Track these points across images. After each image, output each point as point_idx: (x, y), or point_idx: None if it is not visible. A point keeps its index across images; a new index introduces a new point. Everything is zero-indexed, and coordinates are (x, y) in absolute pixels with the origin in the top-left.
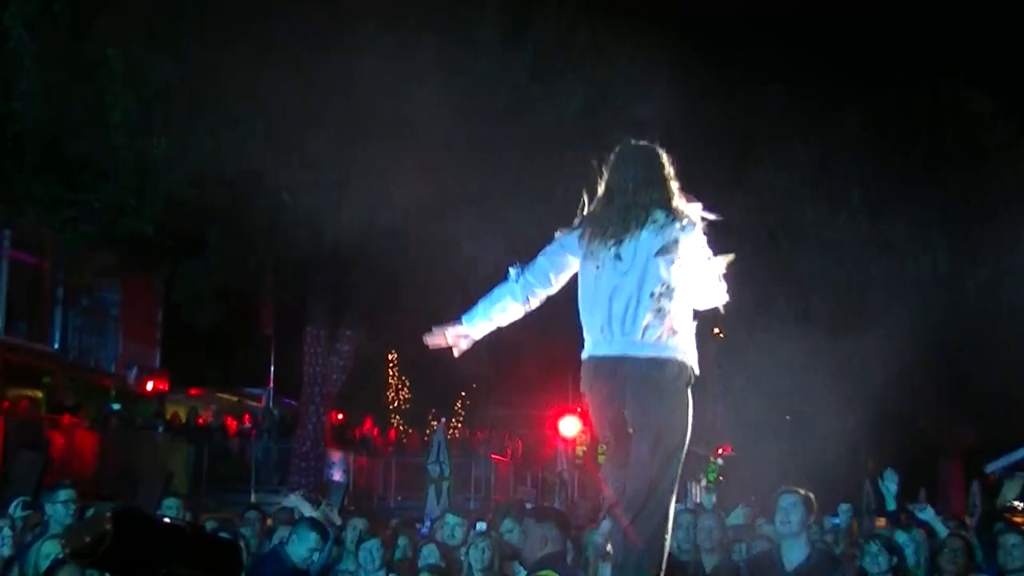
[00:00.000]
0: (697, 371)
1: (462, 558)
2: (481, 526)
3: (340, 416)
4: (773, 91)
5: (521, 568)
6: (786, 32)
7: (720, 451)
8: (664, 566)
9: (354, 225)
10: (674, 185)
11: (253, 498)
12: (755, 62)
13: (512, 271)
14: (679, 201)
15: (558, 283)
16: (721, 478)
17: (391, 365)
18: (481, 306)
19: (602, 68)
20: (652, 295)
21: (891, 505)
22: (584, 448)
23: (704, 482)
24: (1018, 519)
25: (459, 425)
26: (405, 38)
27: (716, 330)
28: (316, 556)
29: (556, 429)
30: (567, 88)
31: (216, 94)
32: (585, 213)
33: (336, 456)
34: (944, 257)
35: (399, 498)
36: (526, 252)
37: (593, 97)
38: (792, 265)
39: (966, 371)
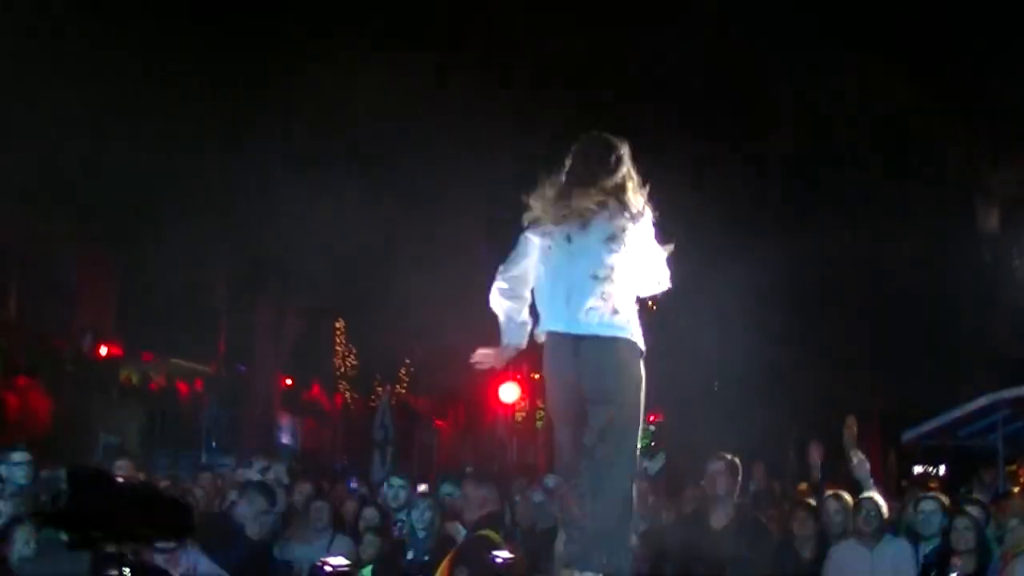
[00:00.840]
0: (643, 347)
1: (404, 518)
2: (423, 487)
3: (289, 382)
4: None
5: (461, 528)
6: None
7: (652, 418)
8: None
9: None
10: (630, 176)
11: (204, 459)
12: None
13: (498, 280)
14: (632, 192)
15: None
16: (653, 443)
17: (338, 333)
18: (507, 325)
19: None
20: (596, 278)
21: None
22: (523, 413)
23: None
24: (932, 485)
25: (404, 392)
26: None
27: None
28: (264, 518)
29: (495, 396)
30: None
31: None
32: (544, 193)
33: (284, 420)
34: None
35: (345, 461)
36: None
37: None
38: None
39: (886, 339)
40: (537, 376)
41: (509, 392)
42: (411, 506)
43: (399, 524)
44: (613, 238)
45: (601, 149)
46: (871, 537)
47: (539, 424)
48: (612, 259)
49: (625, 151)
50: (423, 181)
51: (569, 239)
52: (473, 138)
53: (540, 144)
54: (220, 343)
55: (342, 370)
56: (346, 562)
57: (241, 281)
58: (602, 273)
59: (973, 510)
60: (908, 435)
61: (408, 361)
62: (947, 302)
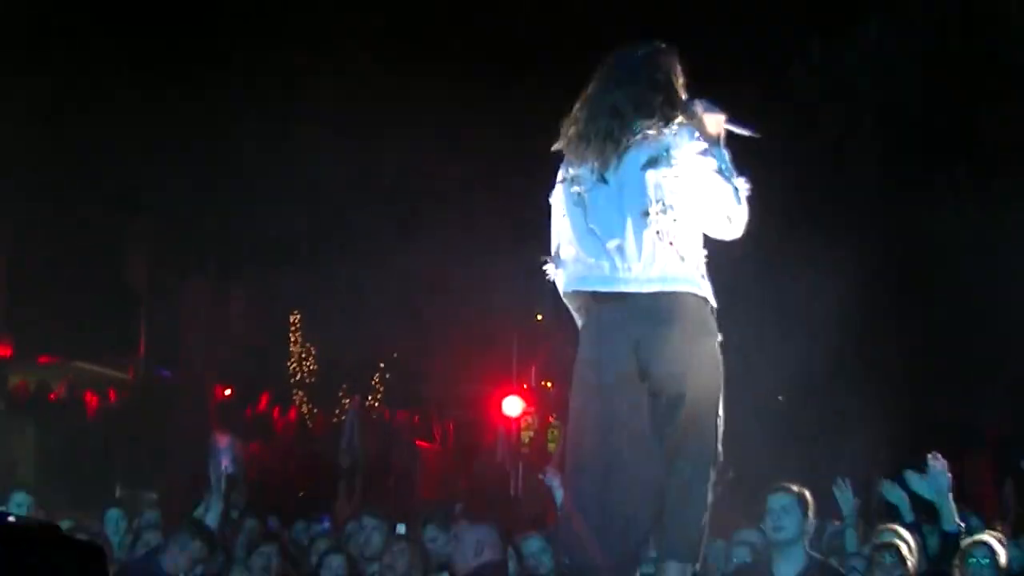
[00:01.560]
0: (715, 305)
1: (376, 569)
2: (401, 529)
3: (228, 391)
4: None
5: None
6: None
7: None
8: None
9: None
10: (670, 89)
11: (118, 493)
12: None
13: (551, 270)
14: (672, 105)
15: None
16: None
17: (293, 329)
18: None
19: None
20: (646, 215)
21: (908, 516)
22: (531, 433)
23: None
24: None
25: (377, 404)
26: None
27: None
28: (199, 569)
29: (497, 410)
30: None
31: None
32: (565, 132)
33: (223, 441)
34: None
35: (301, 493)
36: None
37: None
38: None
39: (990, 348)
40: (549, 385)
41: (513, 406)
42: (386, 553)
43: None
44: (656, 161)
45: (631, 60)
46: None
47: (551, 447)
48: (664, 187)
49: (666, 60)
50: (400, 136)
51: (603, 177)
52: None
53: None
54: (139, 342)
55: (298, 376)
56: None
57: (166, 261)
58: (654, 208)
59: None
60: None
61: (383, 365)
62: None
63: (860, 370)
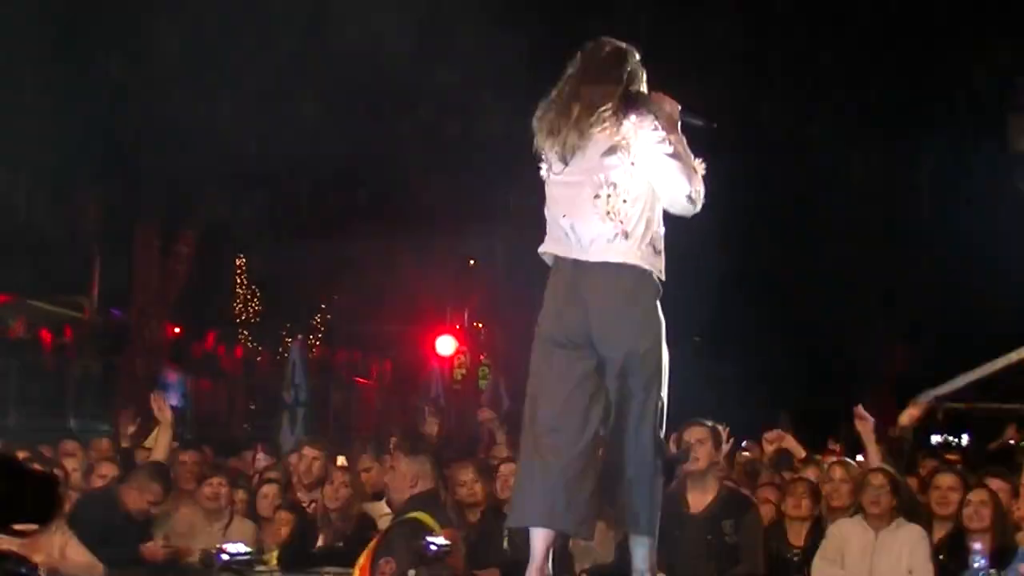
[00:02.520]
0: (662, 279)
1: (317, 497)
2: (340, 460)
3: (177, 330)
4: None
5: (387, 509)
6: None
7: None
8: None
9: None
10: (631, 86)
11: (72, 424)
12: None
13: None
14: (633, 100)
15: None
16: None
17: (239, 272)
18: None
19: None
20: (598, 197)
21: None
22: (463, 371)
23: None
24: (952, 457)
25: (318, 343)
26: None
27: None
28: (155, 508)
29: (431, 349)
30: None
31: None
32: (538, 114)
33: (172, 377)
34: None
35: (247, 426)
36: None
37: None
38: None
39: (901, 282)
40: (480, 326)
41: (446, 345)
42: (326, 482)
43: (312, 504)
44: (614, 150)
45: (597, 56)
46: (878, 518)
47: (482, 383)
48: (615, 174)
49: (633, 57)
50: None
51: (566, 161)
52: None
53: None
54: (93, 283)
55: (243, 317)
56: (246, 549)
57: (118, 203)
58: (604, 192)
59: (995, 483)
60: (925, 398)
61: (324, 307)
62: (975, 238)
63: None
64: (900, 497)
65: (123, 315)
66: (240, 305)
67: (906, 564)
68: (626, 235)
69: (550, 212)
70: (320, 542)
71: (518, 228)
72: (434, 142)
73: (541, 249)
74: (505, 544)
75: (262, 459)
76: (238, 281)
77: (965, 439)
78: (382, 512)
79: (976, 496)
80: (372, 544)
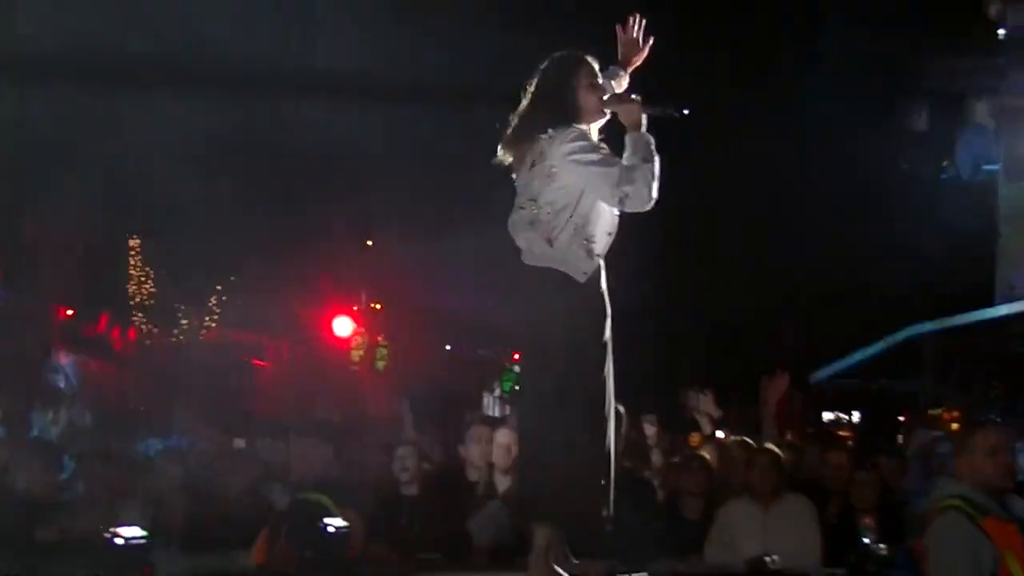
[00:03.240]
0: (580, 278)
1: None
2: (239, 443)
3: (69, 312)
4: None
5: (285, 491)
6: None
7: (517, 356)
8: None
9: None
10: (554, 97)
11: None
12: None
13: None
14: (552, 111)
15: None
16: (517, 387)
17: (132, 253)
18: None
19: None
20: (523, 209)
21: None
22: (360, 352)
23: (498, 391)
24: (843, 434)
25: (213, 325)
26: None
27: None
28: (46, 487)
29: (328, 330)
30: None
31: None
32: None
33: (64, 359)
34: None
35: (141, 408)
36: None
37: None
38: None
39: (791, 263)
40: (378, 307)
41: (343, 326)
42: (222, 464)
43: (210, 486)
44: (533, 164)
45: (550, 68)
46: (767, 495)
47: (380, 364)
48: (535, 185)
49: (560, 64)
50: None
51: (512, 169)
52: None
53: None
54: None
55: (137, 299)
56: (141, 532)
57: (7, 182)
58: (527, 204)
59: (886, 461)
60: (817, 377)
61: (219, 288)
62: (864, 217)
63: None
64: (788, 474)
65: (13, 296)
66: (134, 287)
67: (796, 538)
68: (549, 241)
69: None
70: (220, 525)
71: (415, 209)
72: (330, 123)
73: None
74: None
75: (159, 441)
76: (132, 263)
77: (856, 416)
78: (282, 494)
79: (861, 476)
80: (268, 527)
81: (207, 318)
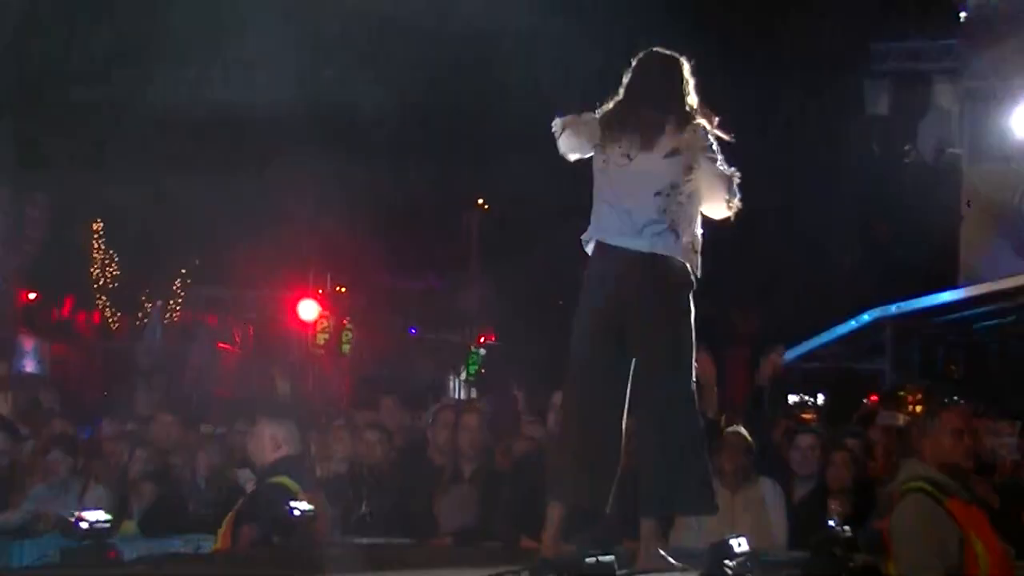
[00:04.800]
0: (697, 275)
1: (176, 464)
2: (205, 428)
3: (33, 296)
4: None
5: (251, 474)
6: None
7: (482, 339)
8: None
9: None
10: (690, 96)
11: None
12: None
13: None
14: (695, 107)
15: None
16: (483, 370)
17: (96, 237)
18: None
19: None
20: (658, 195)
21: None
22: (326, 335)
23: (464, 375)
24: (808, 416)
25: (178, 308)
26: None
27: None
28: (4, 459)
29: (293, 313)
30: None
31: None
32: (602, 111)
33: (28, 343)
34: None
35: (105, 392)
36: None
37: None
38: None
39: (754, 245)
40: (343, 290)
41: (308, 309)
42: (186, 448)
43: (176, 470)
44: (675, 154)
45: (663, 64)
46: (734, 478)
47: (345, 348)
48: (674, 176)
49: (687, 70)
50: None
51: (629, 156)
52: None
53: None
54: None
55: (101, 282)
56: (105, 516)
57: None
58: (664, 190)
59: (853, 443)
60: (775, 351)
61: (184, 271)
62: (827, 199)
63: None
64: (755, 456)
65: None
66: (98, 270)
67: (764, 520)
68: (676, 233)
69: (608, 199)
70: (185, 509)
71: (380, 193)
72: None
73: (588, 236)
74: None
75: (117, 426)
76: (96, 246)
77: (821, 398)
78: (249, 478)
79: (839, 457)
80: (234, 510)
81: (171, 301)
